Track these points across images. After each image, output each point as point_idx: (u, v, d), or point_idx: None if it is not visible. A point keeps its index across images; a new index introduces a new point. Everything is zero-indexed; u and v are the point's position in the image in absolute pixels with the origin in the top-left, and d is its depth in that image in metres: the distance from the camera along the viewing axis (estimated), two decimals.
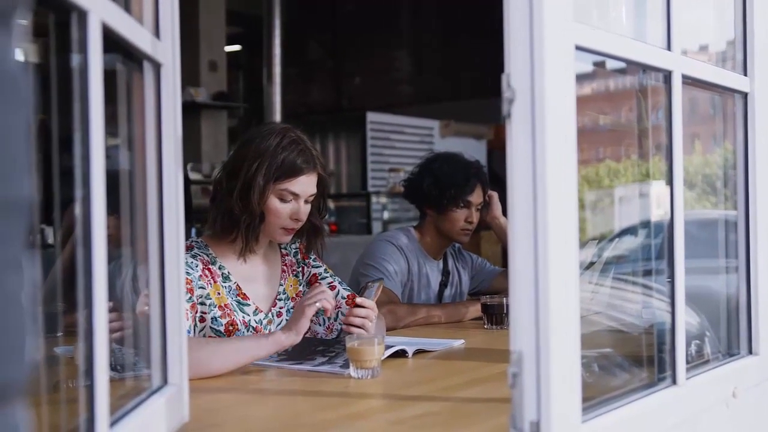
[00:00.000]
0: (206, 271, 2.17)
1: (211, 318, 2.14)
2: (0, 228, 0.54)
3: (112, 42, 1.10)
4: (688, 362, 1.53)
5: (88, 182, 1.00)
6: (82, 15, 0.99)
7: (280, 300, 2.33)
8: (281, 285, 2.35)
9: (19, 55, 0.56)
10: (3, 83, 0.53)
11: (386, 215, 7.58)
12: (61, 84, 1.04)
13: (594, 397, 1.31)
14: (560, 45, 1.18)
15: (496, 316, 2.62)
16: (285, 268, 2.38)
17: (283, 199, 2.19)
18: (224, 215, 2.19)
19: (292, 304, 2.34)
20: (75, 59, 1.01)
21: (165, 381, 1.36)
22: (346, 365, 1.89)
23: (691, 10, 1.66)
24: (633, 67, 1.58)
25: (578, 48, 1.24)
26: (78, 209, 1.01)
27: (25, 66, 0.57)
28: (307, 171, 2.19)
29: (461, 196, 2.94)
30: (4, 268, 0.54)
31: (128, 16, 1.17)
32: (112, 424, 1.07)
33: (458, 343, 2.33)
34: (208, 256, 2.21)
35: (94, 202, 1.00)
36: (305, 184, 2.20)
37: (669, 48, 1.50)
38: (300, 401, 1.71)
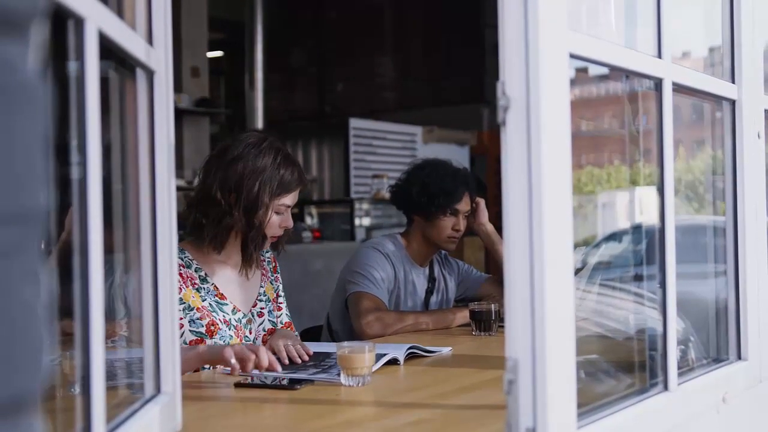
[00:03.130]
0: (178, 276, 2.19)
1: (189, 321, 2.17)
2: (17, 238, 0.53)
3: (106, 49, 1.09)
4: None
5: (85, 189, 0.99)
6: (79, 22, 0.98)
7: (261, 300, 2.38)
8: (261, 287, 2.41)
9: (35, 65, 0.56)
10: (21, 93, 0.53)
11: (369, 222, 7.56)
12: (55, 91, 1.03)
13: (588, 403, 1.32)
14: (555, 53, 1.19)
15: (484, 322, 2.62)
16: (264, 271, 2.44)
17: (278, 212, 2.28)
18: (225, 231, 2.24)
19: (272, 305, 2.41)
20: (71, 66, 1.00)
21: (158, 390, 1.35)
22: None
23: (676, 16, 1.67)
24: (615, 73, 1.59)
25: (572, 56, 1.24)
26: (74, 217, 1.00)
27: (41, 75, 0.57)
28: (301, 185, 2.30)
29: (449, 204, 2.94)
30: (22, 279, 0.54)
31: (123, 23, 1.17)
32: None
33: (446, 351, 2.33)
34: (182, 259, 2.23)
35: (91, 209, 0.99)
36: (296, 196, 2.32)
37: (659, 56, 1.51)
38: (292, 409, 1.71)
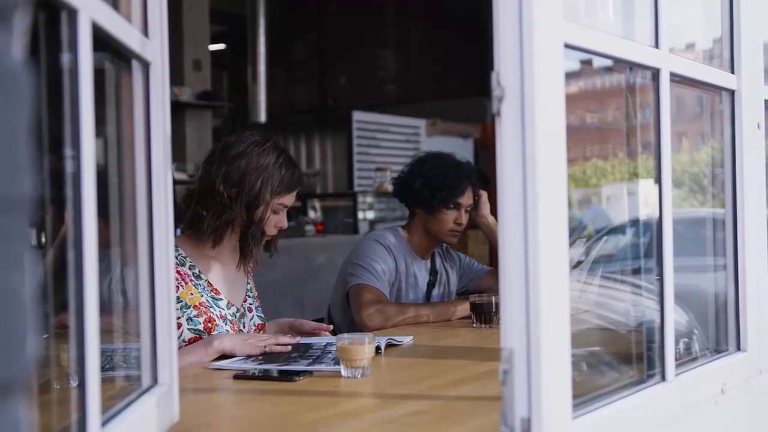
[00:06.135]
0: (175, 274, 2.19)
1: (187, 319, 2.18)
2: (3, 225, 0.54)
3: (101, 40, 1.09)
4: (676, 359, 1.53)
5: (79, 183, 0.99)
6: (72, 13, 0.98)
7: (249, 297, 2.42)
8: (248, 283, 2.44)
9: (19, 53, 0.56)
10: (4, 81, 0.53)
11: (373, 215, 7.56)
12: (48, 83, 1.03)
13: (584, 394, 1.32)
14: (550, 43, 1.18)
15: (485, 314, 2.63)
16: (249, 269, 2.46)
17: (275, 211, 2.30)
18: (224, 225, 2.26)
19: (257, 303, 2.45)
20: (64, 58, 1.00)
21: (155, 381, 1.36)
22: (337, 362, 1.89)
23: (677, 8, 1.66)
24: (619, 65, 1.58)
25: (567, 46, 1.24)
26: (68, 211, 1.00)
27: (25, 64, 0.57)
28: (300, 186, 2.33)
29: (452, 198, 2.94)
30: (7, 265, 0.54)
31: (117, 14, 1.17)
32: (104, 423, 1.07)
33: (407, 340, 2.34)
34: (176, 258, 2.24)
35: (85, 203, 0.99)
36: (294, 197, 2.35)
37: (657, 46, 1.50)
38: (290, 401, 1.71)
